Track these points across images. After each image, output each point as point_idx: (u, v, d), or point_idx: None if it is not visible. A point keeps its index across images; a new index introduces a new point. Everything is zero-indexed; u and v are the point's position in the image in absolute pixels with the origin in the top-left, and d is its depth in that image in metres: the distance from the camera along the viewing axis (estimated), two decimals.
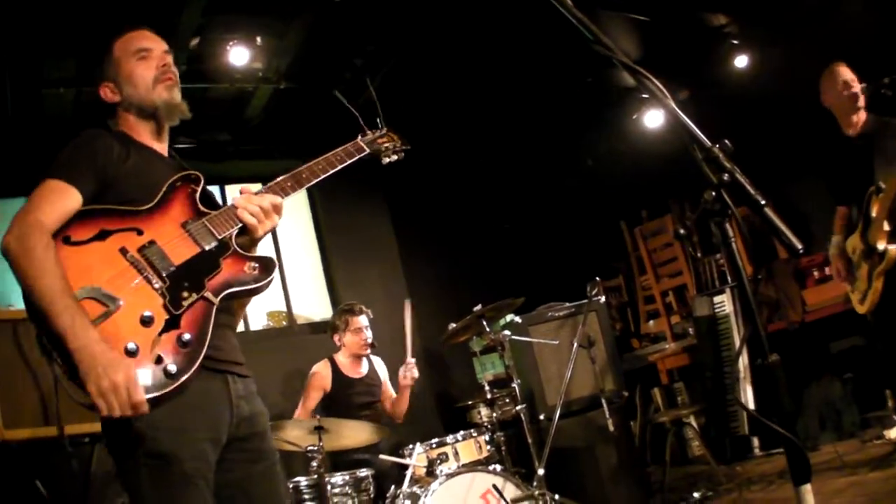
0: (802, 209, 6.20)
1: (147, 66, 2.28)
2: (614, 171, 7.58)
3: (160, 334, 1.96)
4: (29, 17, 4.40)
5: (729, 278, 6.63)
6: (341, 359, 5.02)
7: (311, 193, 6.73)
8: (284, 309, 6.42)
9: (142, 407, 1.86)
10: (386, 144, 2.69)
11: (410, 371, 4.90)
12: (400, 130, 2.72)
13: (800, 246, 1.59)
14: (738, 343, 6.08)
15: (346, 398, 4.89)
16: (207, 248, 2.13)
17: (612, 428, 4.69)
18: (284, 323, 6.41)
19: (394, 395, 5.12)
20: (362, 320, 4.98)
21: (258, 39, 5.19)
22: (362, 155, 2.53)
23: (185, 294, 2.04)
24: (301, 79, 5.67)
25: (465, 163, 7.17)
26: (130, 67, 2.27)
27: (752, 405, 5.88)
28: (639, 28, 5.91)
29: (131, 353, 1.90)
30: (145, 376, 1.89)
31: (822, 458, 5.07)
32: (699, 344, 6.42)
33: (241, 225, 2.20)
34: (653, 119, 6.96)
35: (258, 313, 6.38)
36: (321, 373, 4.93)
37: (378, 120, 2.71)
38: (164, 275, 2.04)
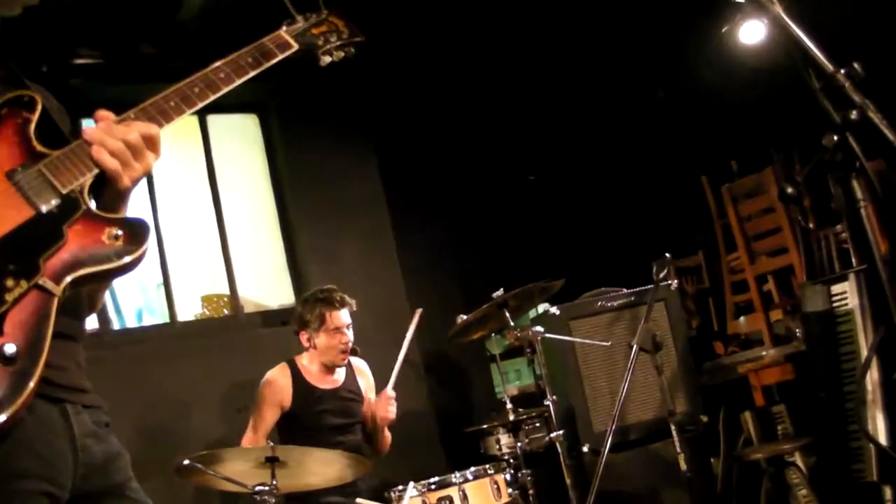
0: None
1: None
2: (694, 105, 7.58)
3: None
4: None
5: (854, 259, 6.57)
6: (307, 363, 5.10)
7: (269, 134, 6.78)
8: (226, 291, 6.47)
9: None
10: (325, 36, 2.48)
11: (384, 407, 5.00)
12: (347, 13, 2.50)
13: None
14: (865, 351, 6.07)
15: (313, 418, 4.96)
16: (45, 209, 1.95)
17: (684, 466, 4.70)
18: (226, 311, 6.48)
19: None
20: (343, 317, 5.05)
21: None
22: (288, 53, 2.34)
23: (10, 283, 1.86)
24: None
25: (480, 91, 7.20)
26: None
27: (883, 439, 5.85)
28: None
29: None
30: None
31: None
32: (810, 351, 6.34)
33: (97, 171, 2.04)
34: (750, 32, 6.85)
35: (189, 297, 6.42)
36: (277, 382, 4.99)
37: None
38: None
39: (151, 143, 2.07)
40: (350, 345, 5.03)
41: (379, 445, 5.14)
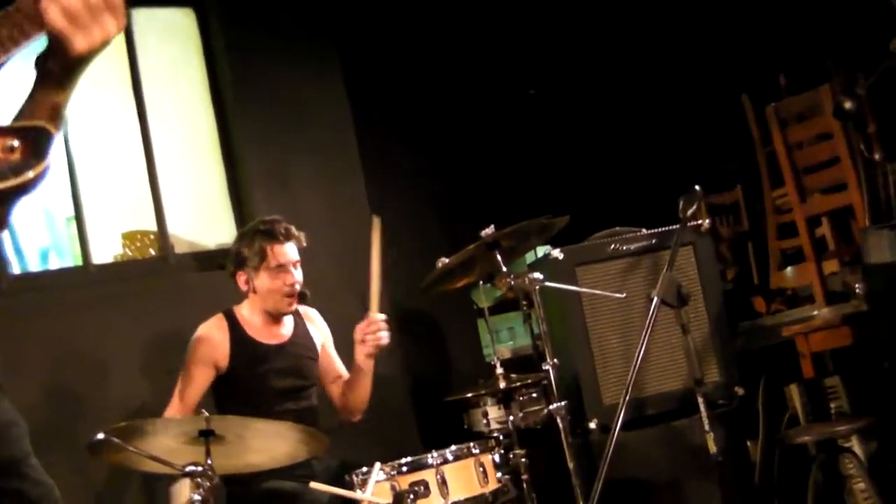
0: None
1: None
2: (734, 4, 7.58)
3: None
4: None
5: None
6: (248, 315, 5.15)
7: (207, 34, 6.78)
8: (153, 228, 6.47)
9: None
10: None
11: (374, 332, 4.99)
12: None
13: None
14: None
15: (256, 381, 5.02)
16: None
17: (713, 449, 4.68)
18: (153, 252, 6.49)
19: (344, 374, 5.27)
20: (288, 252, 5.09)
21: None
22: None
23: None
24: None
25: None
26: None
27: None
28: None
29: None
30: None
31: None
32: (872, 312, 6.34)
33: (37, 35, 2.04)
34: None
35: (106, 234, 6.42)
36: (212, 338, 5.04)
37: None
38: None
39: (112, 7, 2.06)
40: (298, 287, 5.06)
41: (355, 400, 5.16)
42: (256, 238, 5.07)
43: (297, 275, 5.08)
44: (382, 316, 5.02)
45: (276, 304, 5.09)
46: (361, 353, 5.03)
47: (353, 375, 5.15)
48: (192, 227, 6.66)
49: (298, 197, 6.53)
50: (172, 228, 6.50)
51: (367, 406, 5.20)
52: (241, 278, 5.11)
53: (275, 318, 5.17)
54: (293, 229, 5.11)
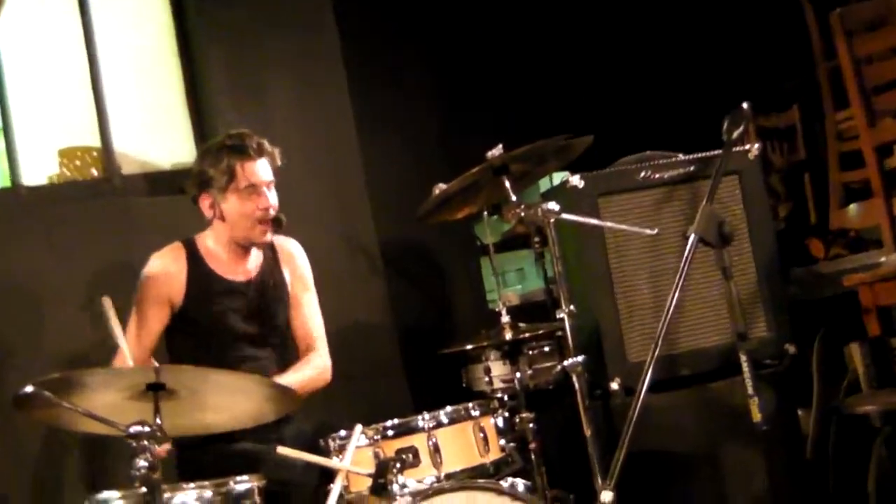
0: None
1: None
2: None
3: None
4: None
5: None
6: (212, 245, 5.17)
7: None
8: (96, 143, 6.46)
9: None
10: None
11: None
12: None
13: None
14: None
15: (215, 324, 5.06)
16: None
17: (758, 417, 4.64)
18: (95, 172, 6.49)
19: (314, 345, 5.34)
20: (260, 170, 5.09)
21: None
22: None
23: None
24: None
25: None
26: None
27: None
28: None
29: None
30: None
31: None
32: None
33: None
34: None
35: (41, 151, 6.43)
36: (166, 271, 5.08)
37: None
38: None
39: None
40: (272, 211, 5.05)
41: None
42: (223, 154, 5.06)
43: (272, 197, 5.08)
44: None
45: (247, 231, 5.09)
46: None
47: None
48: (144, 144, 6.66)
49: (271, 109, 6.54)
50: (119, 145, 6.50)
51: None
52: (206, 202, 5.11)
53: (245, 249, 5.20)
54: (266, 144, 5.11)
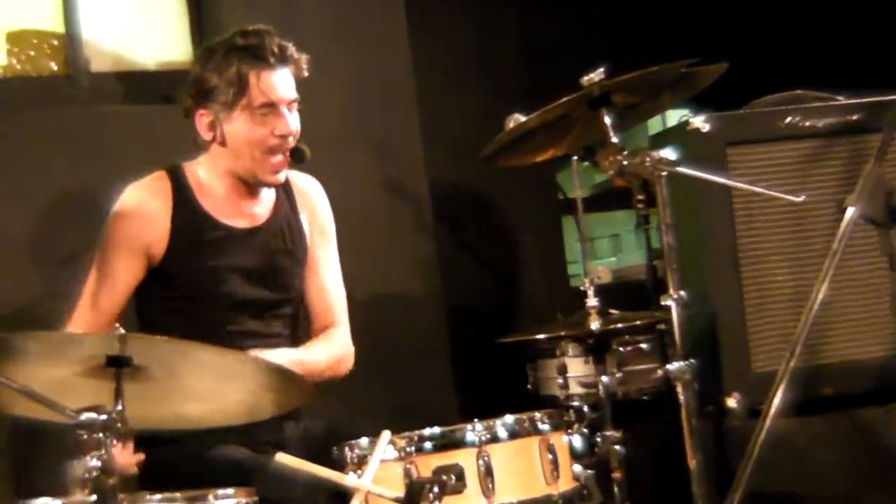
0: None
1: None
2: None
3: None
4: None
5: None
6: (205, 177, 5.05)
7: None
8: (58, 28, 6.46)
9: None
10: None
11: None
12: None
13: None
14: None
15: (205, 283, 4.96)
16: None
17: None
18: (53, 66, 6.48)
19: (332, 312, 5.26)
20: (282, 83, 4.97)
21: None
22: None
23: None
24: None
25: None
26: None
27: None
28: None
29: None
30: None
31: None
32: None
33: None
34: None
35: None
36: (145, 209, 4.97)
37: None
38: None
39: None
40: (292, 140, 4.90)
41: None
42: (233, 57, 4.89)
43: (293, 121, 4.91)
44: None
45: (255, 164, 4.92)
46: None
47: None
48: (122, 34, 6.68)
49: (298, 5, 6.41)
50: (89, 32, 6.46)
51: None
52: (203, 120, 4.93)
53: (250, 188, 5.03)
54: (291, 49, 4.95)
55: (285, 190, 5.16)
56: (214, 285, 4.91)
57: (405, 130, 6.20)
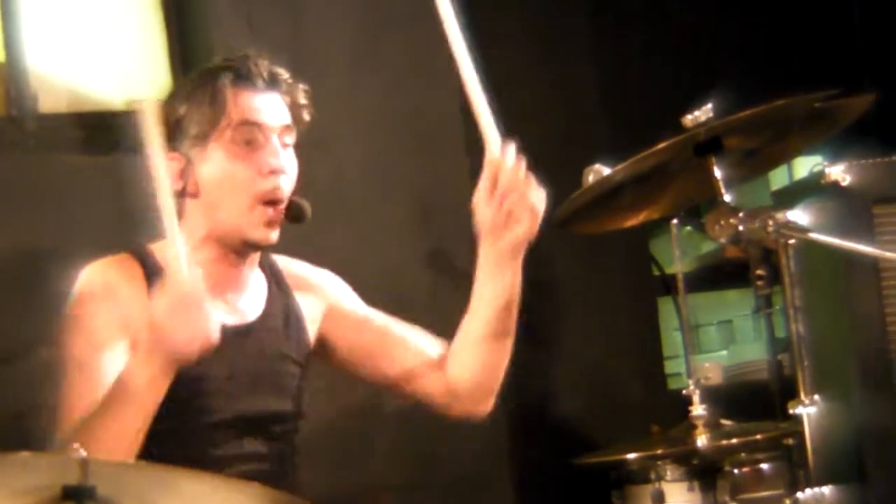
0: None
1: None
2: None
3: None
4: None
5: None
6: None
7: None
8: None
9: None
10: None
11: (511, 193, 4.57)
12: None
13: None
14: None
15: (188, 399, 4.59)
16: None
17: None
18: None
19: (429, 350, 5.06)
20: (268, 107, 4.67)
21: None
22: None
23: None
24: None
25: None
26: None
27: None
28: None
29: None
30: None
31: None
32: None
33: None
34: None
35: None
36: (114, 290, 4.61)
37: None
38: None
39: None
40: (288, 187, 4.58)
41: (487, 364, 4.94)
42: (208, 77, 4.63)
43: (285, 158, 4.59)
44: (512, 156, 4.54)
45: (239, 218, 4.58)
46: (493, 250, 4.69)
47: (477, 308, 4.85)
48: (79, 66, 6.82)
49: (305, 23, 6.24)
50: (38, 64, 6.65)
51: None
52: (172, 166, 4.53)
53: (237, 257, 4.67)
54: (284, 74, 4.65)
55: (275, 275, 4.92)
56: (195, 399, 4.55)
57: (452, 184, 5.94)
